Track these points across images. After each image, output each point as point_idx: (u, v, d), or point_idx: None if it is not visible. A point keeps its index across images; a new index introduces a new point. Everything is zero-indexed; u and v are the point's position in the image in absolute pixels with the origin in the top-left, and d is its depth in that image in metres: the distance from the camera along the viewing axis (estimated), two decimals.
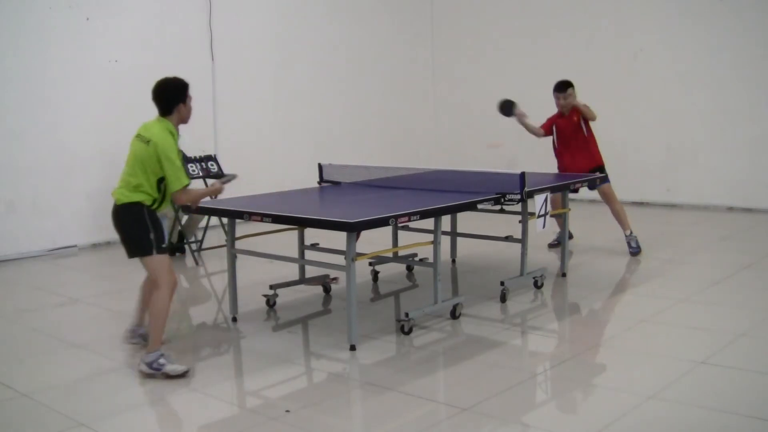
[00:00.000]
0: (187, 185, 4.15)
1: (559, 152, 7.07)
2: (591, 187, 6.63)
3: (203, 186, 7.35)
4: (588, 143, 6.91)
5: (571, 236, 6.93)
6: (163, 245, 4.21)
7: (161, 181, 4.16)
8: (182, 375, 4.06)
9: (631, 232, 6.87)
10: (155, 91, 4.26)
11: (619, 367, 4.21)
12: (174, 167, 4.09)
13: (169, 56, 8.56)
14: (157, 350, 4.09)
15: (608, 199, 6.88)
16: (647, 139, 9.93)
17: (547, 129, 7.08)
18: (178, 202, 4.35)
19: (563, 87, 6.87)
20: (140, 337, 4.53)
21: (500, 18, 11.25)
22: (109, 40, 8.06)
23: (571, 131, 6.90)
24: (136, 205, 4.13)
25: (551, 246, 7.31)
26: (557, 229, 7.17)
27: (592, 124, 6.95)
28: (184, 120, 4.35)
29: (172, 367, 4.06)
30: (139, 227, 4.14)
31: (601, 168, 6.84)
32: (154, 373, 4.04)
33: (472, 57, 11.59)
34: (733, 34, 9.20)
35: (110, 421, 3.63)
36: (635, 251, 6.79)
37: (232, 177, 6.09)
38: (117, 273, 6.98)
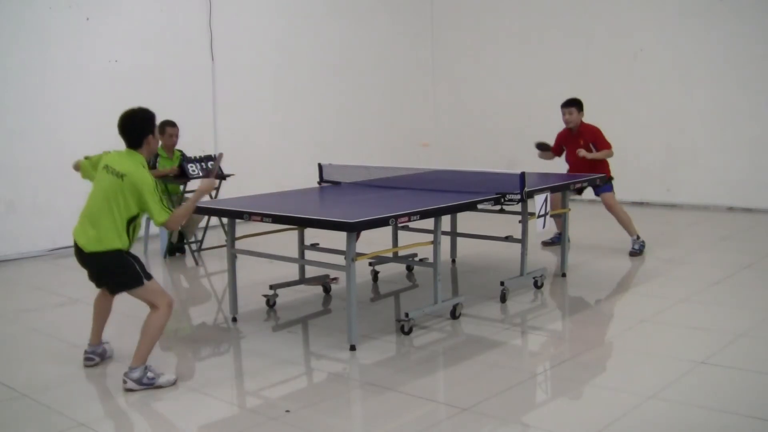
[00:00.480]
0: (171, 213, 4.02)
1: (569, 165, 7.14)
2: (596, 193, 6.79)
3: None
4: (594, 163, 6.86)
5: (639, 252, 6.83)
6: (145, 270, 4.05)
7: (130, 222, 3.99)
8: (173, 383, 3.98)
9: (638, 237, 6.85)
10: (123, 124, 4.05)
11: (619, 367, 4.21)
12: (157, 202, 3.92)
13: (169, 56, 8.57)
14: (142, 365, 3.92)
15: (610, 209, 6.85)
16: (647, 139, 9.93)
17: (556, 150, 7.17)
18: (171, 228, 4.23)
19: (567, 103, 6.94)
20: (99, 356, 4.32)
21: (500, 18, 11.25)
22: (109, 40, 8.06)
23: (575, 150, 6.91)
24: (109, 253, 3.95)
25: (545, 244, 7.33)
26: (554, 229, 7.18)
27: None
28: (153, 152, 4.21)
29: (165, 379, 3.95)
30: (123, 266, 3.98)
31: (608, 179, 6.79)
32: (145, 388, 3.89)
33: (472, 57, 11.59)
34: (733, 34, 9.20)
35: (110, 421, 3.63)
36: (635, 252, 6.79)
37: (219, 158, 5.67)
38: None
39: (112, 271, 4.01)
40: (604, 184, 6.65)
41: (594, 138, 6.89)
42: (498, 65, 11.31)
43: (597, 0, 10.31)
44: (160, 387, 3.92)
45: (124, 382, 3.91)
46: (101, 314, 4.37)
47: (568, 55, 10.49)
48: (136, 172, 3.92)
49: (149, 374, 3.92)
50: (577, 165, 6.93)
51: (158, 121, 4.22)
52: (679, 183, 9.80)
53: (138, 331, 4.02)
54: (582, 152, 6.79)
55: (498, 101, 11.34)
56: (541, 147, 7.19)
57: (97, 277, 4.13)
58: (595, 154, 6.80)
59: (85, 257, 4.01)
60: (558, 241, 7.00)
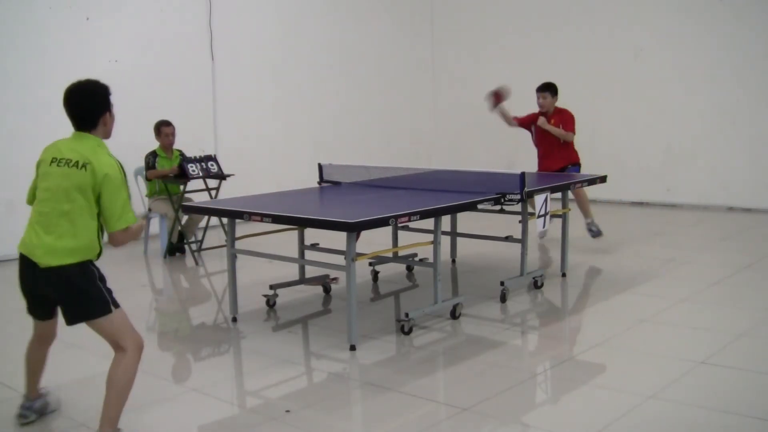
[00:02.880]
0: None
1: (537, 149, 7.39)
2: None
3: (204, 185, 7.37)
4: (564, 143, 7.15)
5: (599, 233, 7.17)
6: (112, 295, 3.25)
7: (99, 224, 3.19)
8: None
9: (593, 220, 7.18)
10: (72, 100, 3.34)
11: (619, 367, 4.21)
12: (123, 201, 3.17)
13: (169, 56, 8.57)
14: (113, 430, 3.21)
15: (576, 194, 7.05)
16: (647, 139, 9.94)
17: (520, 122, 7.40)
18: (114, 244, 3.26)
19: (541, 88, 7.23)
20: (36, 412, 3.61)
21: (500, 18, 11.25)
22: (109, 40, 8.06)
23: (547, 134, 7.16)
24: (81, 266, 3.17)
25: (541, 236, 7.50)
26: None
27: (577, 127, 7.20)
28: (109, 134, 3.38)
29: None
30: (89, 286, 3.18)
31: (576, 165, 7.17)
32: None
33: (472, 57, 11.59)
34: (733, 34, 9.20)
35: None
36: (595, 234, 7.16)
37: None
38: (117, 273, 6.97)
39: (79, 290, 3.18)
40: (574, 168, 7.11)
41: (563, 120, 7.12)
42: (498, 65, 11.29)
43: (596, 0, 10.31)
44: None
45: None
46: (38, 365, 3.60)
47: (568, 55, 10.48)
48: (102, 158, 3.16)
49: None
50: (545, 147, 7.23)
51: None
52: (679, 183, 9.80)
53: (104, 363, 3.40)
54: (542, 120, 7.11)
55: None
56: (496, 96, 7.29)
57: (54, 301, 3.33)
58: (552, 128, 7.07)
59: (41, 275, 3.21)
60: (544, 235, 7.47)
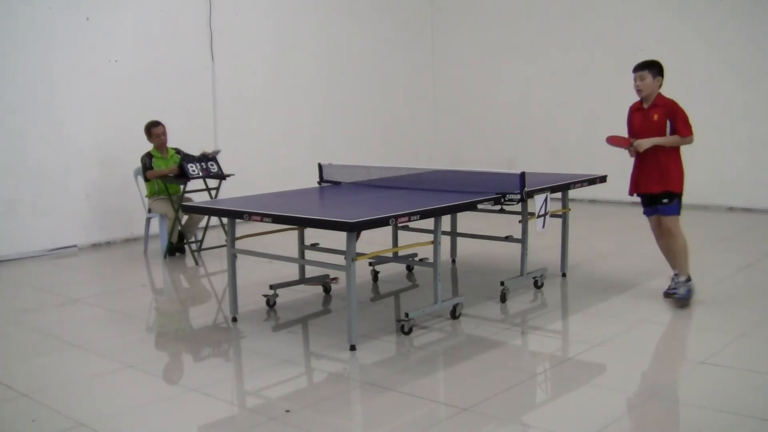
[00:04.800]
0: None
1: (635, 160, 5.41)
2: (658, 211, 5.27)
3: (204, 185, 7.38)
4: (668, 157, 5.17)
5: (687, 279, 5.24)
6: None
7: None
8: None
9: (688, 278, 5.23)
10: None
11: (619, 367, 4.21)
12: None
13: (169, 56, 8.58)
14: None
15: (669, 234, 5.25)
16: None
17: (629, 135, 5.46)
18: None
19: (638, 67, 5.31)
20: None
21: (500, 18, 11.25)
22: (109, 40, 8.07)
23: (647, 131, 5.21)
24: None
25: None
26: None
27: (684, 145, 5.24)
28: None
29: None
30: None
31: (674, 196, 5.18)
32: None
33: (472, 57, 11.59)
34: (733, 34, 9.20)
35: (110, 421, 3.63)
36: (675, 294, 5.24)
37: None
38: (117, 273, 6.99)
39: None
40: (672, 203, 5.18)
41: (672, 114, 5.16)
42: (498, 65, 11.32)
43: (597, 0, 10.32)
44: None
45: None
46: None
47: (568, 55, 10.49)
48: None
49: None
50: (643, 159, 5.27)
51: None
52: None
53: None
54: (640, 143, 5.11)
55: (498, 101, 11.34)
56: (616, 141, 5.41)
57: None
58: (658, 140, 5.11)
59: None
60: None
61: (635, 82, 5.28)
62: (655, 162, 5.20)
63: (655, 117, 5.20)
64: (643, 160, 5.28)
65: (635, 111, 5.40)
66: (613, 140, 5.38)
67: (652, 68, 5.25)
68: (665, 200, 5.20)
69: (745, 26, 9.13)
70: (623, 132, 5.58)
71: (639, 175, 5.37)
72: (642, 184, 5.36)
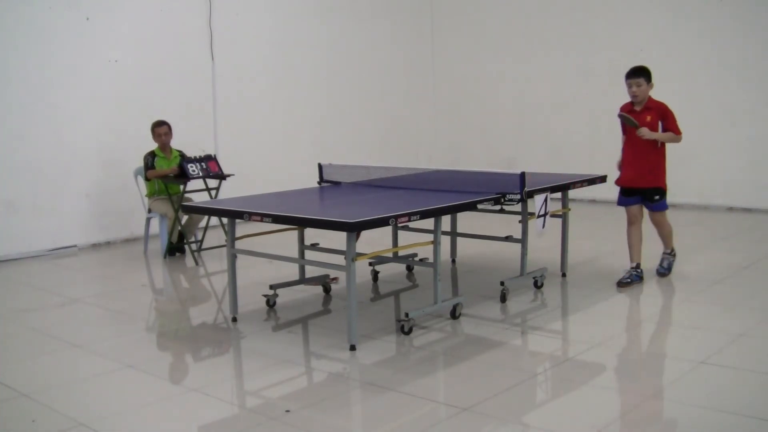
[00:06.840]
0: None
1: (623, 154, 5.95)
2: (626, 203, 5.94)
3: (204, 185, 7.38)
4: (659, 155, 5.81)
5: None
6: None
7: None
8: None
9: (673, 251, 6.12)
10: None
11: (619, 367, 4.21)
12: None
13: (169, 56, 8.58)
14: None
15: (659, 225, 6.05)
16: None
17: (624, 134, 5.96)
18: None
19: (633, 73, 5.67)
20: None
21: (500, 18, 11.25)
22: (109, 40, 8.07)
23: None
24: None
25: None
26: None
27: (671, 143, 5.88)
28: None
29: None
30: None
31: (663, 192, 5.92)
32: None
33: (472, 57, 11.59)
34: (733, 34, 9.20)
35: (110, 421, 3.63)
36: (663, 272, 6.05)
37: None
38: (117, 273, 6.99)
39: None
40: (663, 199, 5.93)
41: (664, 116, 5.69)
42: (498, 65, 11.32)
43: (597, 0, 10.31)
44: None
45: None
46: None
47: (567, 55, 10.49)
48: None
49: None
50: (636, 155, 5.79)
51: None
52: (679, 183, 9.76)
53: None
54: (644, 131, 5.58)
55: (497, 101, 11.35)
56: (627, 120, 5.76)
57: None
58: (659, 135, 5.66)
59: None
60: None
61: (631, 88, 5.69)
62: (646, 159, 5.79)
63: (648, 118, 5.68)
64: (635, 156, 5.82)
65: (627, 113, 5.79)
66: (624, 113, 5.76)
67: (646, 74, 5.70)
68: (657, 197, 5.87)
69: (745, 26, 9.13)
70: (619, 133, 5.91)
71: (630, 170, 5.88)
72: (634, 179, 5.87)
